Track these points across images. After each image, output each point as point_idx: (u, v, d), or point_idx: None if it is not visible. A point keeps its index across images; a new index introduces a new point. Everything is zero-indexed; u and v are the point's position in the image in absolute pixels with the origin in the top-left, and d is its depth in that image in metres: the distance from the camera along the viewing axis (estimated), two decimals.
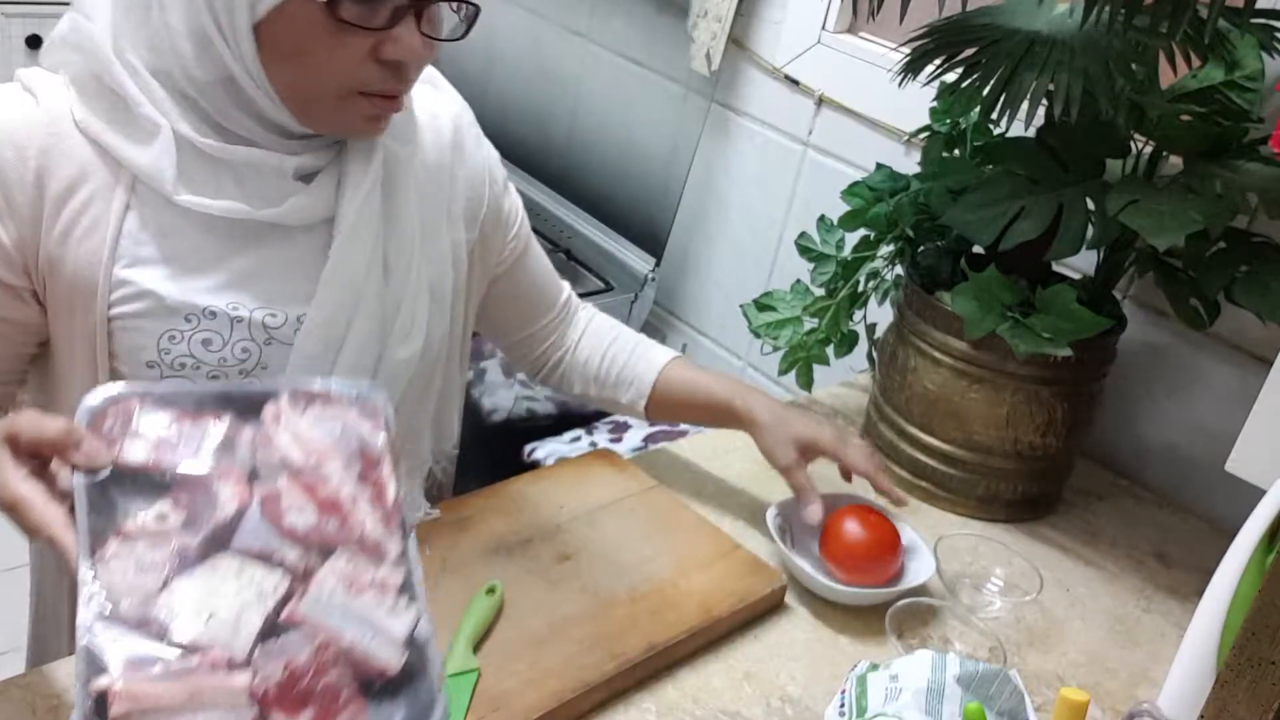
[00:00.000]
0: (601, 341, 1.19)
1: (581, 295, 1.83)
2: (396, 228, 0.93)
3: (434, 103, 1.00)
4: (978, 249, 1.26)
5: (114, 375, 0.88)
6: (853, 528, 1.06)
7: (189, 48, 0.80)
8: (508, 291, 1.12)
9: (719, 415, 1.15)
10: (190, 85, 0.82)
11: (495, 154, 1.07)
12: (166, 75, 0.82)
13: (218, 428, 0.70)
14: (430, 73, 1.03)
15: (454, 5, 0.86)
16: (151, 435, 0.68)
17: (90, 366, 0.87)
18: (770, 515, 1.10)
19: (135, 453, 0.67)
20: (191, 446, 0.69)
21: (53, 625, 1.04)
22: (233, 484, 0.68)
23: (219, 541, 0.66)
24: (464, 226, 1.01)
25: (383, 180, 0.92)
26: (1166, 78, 1.10)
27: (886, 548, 1.06)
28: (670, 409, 1.17)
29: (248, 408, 0.72)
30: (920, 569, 1.07)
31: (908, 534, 1.09)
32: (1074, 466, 1.31)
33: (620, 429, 1.85)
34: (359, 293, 0.90)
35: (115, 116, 0.83)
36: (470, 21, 0.87)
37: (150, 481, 0.67)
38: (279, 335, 0.89)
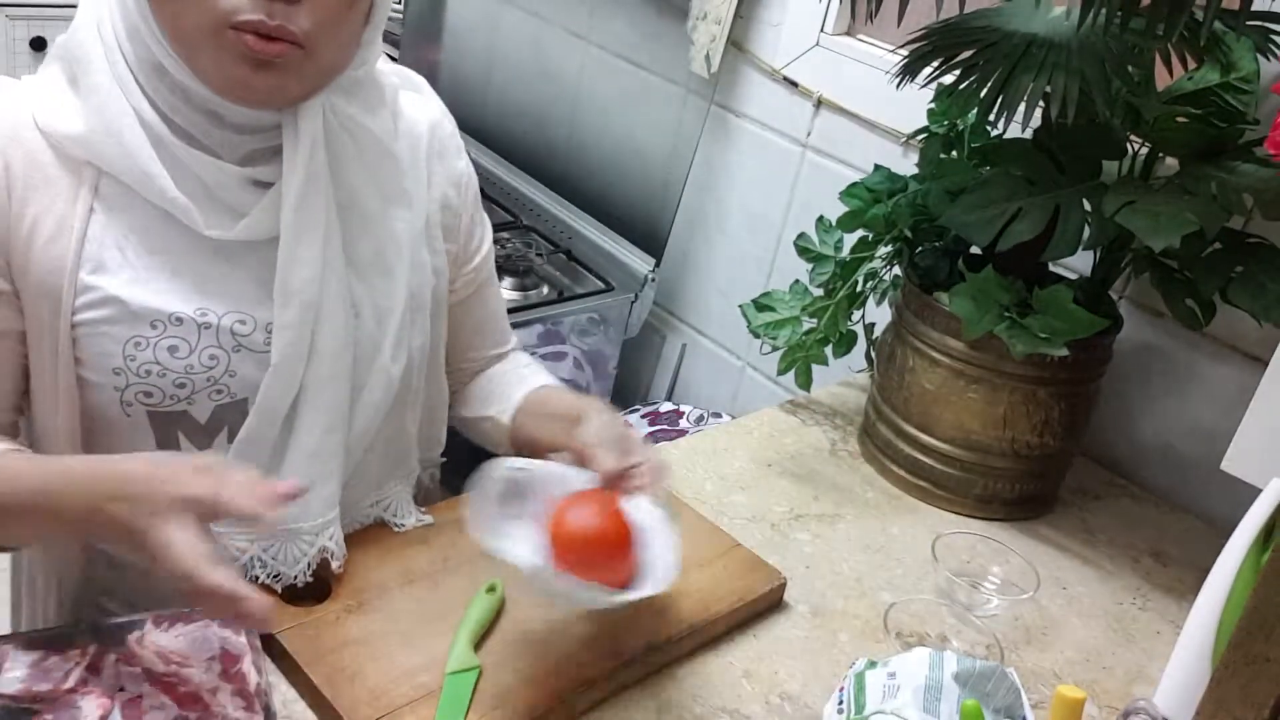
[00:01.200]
0: (503, 368, 1.15)
1: (581, 295, 1.86)
2: (365, 235, 0.91)
3: (413, 107, 0.99)
4: (975, 249, 1.26)
5: (80, 383, 0.87)
6: (583, 514, 0.87)
7: (120, 21, 0.81)
8: (455, 321, 1.08)
9: (559, 420, 1.00)
10: (136, 68, 0.82)
11: (473, 173, 1.06)
12: (118, 56, 0.82)
13: (85, 656, 0.80)
14: (415, 79, 1.02)
15: None
16: (22, 670, 0.78)
17: (54, 374, 0.86)
18: (498, 471, 0.89)
19: (7, 686, 0.76)
20: (61, 672, 0.79)
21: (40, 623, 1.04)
22: (96, 697, 0.77)
23: None
24: (442, 234, 1.00)
25: (339, 180, 0.89)
26: (1162, 80, 1.10)
27: (612, 546, 0.87)
28: (526, 419, 1.06)
29: (113, 638, 0.82)
30: (654, 579, 0.87)
31: (661, 539, 0.90)
32: (1071, 466, 1.32)
33: None
34: (317, 298, 0.88)
35: (81, 101, 0.82)
36: None
37: (21, 710, 0.75)
38: (248, 343, 0.88)
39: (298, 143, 0.85)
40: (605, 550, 0.87)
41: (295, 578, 0.91)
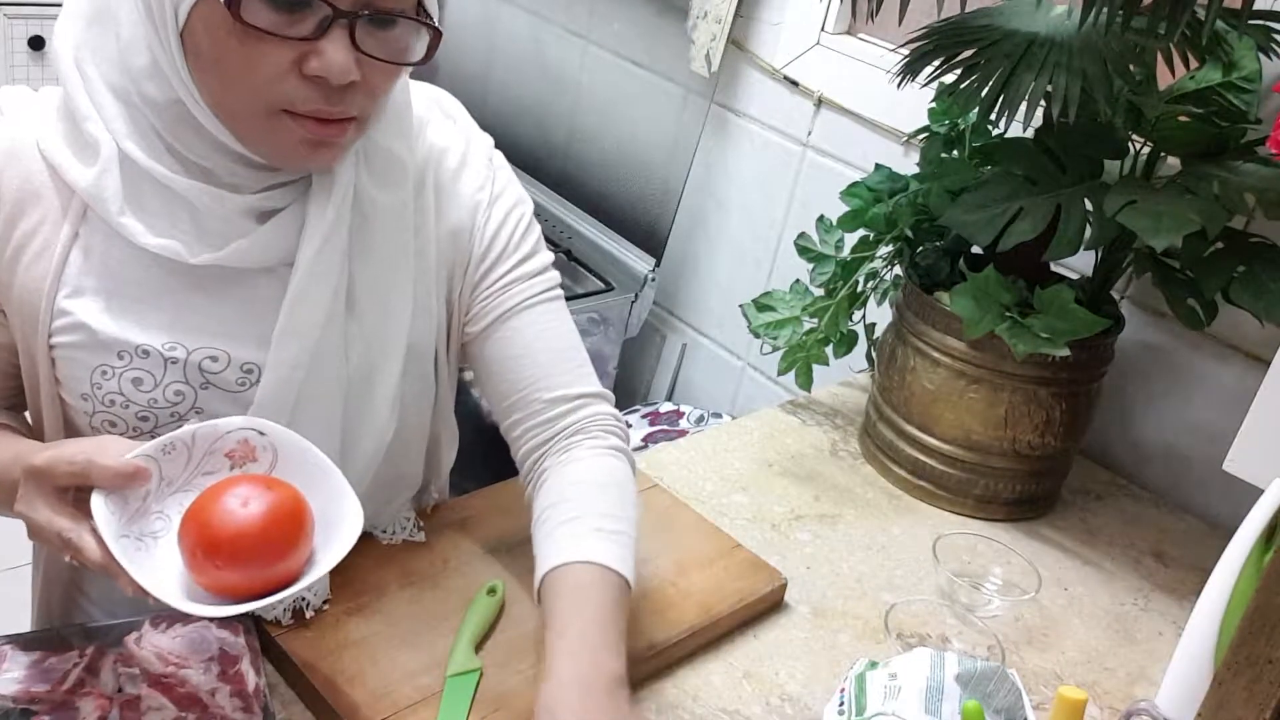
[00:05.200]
0: (551, 494, 0.91)
1: (581, 295, 1.85)
2: (369, 273, 0.88)
3: (440, 135, 0.94)
4: (976, 249, 1.26)
5: (60, 402, 0.86)
6: (232, 508, 0.71)
7: (142, 62, 0.78)
8: (484, 363, 0.96)
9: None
10: (146, 104, 0.79)
11: (515, 201, 0.98)
12: (125, 93, 0.79)
13: (83, 657, 0.80)
14: (450, 104, 0.97)
15: (417, 24, 0.78)
16: (20, 671, 0.78)
17: (35, 391, 0.86)
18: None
19: (5, 687, 0.77)
20: (59, 673, 0.79)
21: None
22: (94, 698, 0.77)
23: None
24: (449, 269, 0.94)
25: (357, 225, 0.86)
26: (1164, 79, 1.10)
27: (273, 546, 0.73)
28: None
29: (111, 639, 0.82)
30: (338, 540, 0.75)
31: (326, 484, 0.77)
32: (1072, 466, 1.32)
33: None
34: (316, 343, 0.85)
35: (71, 137, 0.81)
36: (432, 45, 0.80)
37: (20, 711, 0.76)
38: (218, 380, 0.85)
39: (333, 186, 0.83)
40: (256, 553, 0.72)
41: (273, 619, 0.90)
